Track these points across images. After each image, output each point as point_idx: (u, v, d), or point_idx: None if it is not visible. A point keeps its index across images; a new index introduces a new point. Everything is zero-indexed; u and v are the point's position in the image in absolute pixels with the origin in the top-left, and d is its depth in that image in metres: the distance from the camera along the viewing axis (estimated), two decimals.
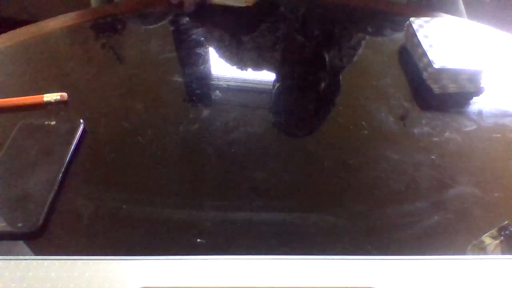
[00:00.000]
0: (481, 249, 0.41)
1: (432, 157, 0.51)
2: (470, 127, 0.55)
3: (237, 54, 0.68)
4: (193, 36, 0.71)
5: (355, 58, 0.68)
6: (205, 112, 0.57)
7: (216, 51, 0.69)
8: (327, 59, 0.68)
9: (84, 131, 0.52)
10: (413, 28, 0.65)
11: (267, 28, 0.72)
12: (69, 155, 0.48)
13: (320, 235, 0.43)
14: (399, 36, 0.70)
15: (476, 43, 0.62)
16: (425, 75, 0.61)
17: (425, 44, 0.62)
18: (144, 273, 0.37)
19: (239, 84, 0.64)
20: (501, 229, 0.42)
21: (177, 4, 0.74)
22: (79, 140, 0.50)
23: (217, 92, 0.60)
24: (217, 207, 0.45)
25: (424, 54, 0.61)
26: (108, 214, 0.44)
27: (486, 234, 0.42)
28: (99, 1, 0.93)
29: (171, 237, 0.42)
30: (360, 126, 0.55)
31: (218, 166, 0.50)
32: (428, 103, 0.59)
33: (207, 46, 0.69)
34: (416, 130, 0.55)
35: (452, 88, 0.60)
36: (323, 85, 0.64)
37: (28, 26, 0.70)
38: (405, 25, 0.68)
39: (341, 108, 0.59)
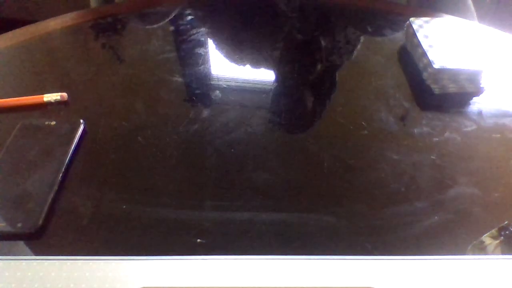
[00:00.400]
0: (481, 249, 0.41)
1: (432, 157, 0.51)
2: (470, 127, 0.55)
3: (236, 54, 0.68)
4: (193, 36, 0.71)
5: (354, 57, 0.68)
6: (205, 112, 0.57)
7: (215, 51, 0.69)
8: (327, 58, 0.68)
9: (84, 131, 0.52)
10: (413, 28, 0.65)
11: (266, 27, 0.72)
12: (69, 155, 0.48)
13: (320, 235, 0.43)
14: (399, 36, 0.70)
15: (476, 43, 0.62)
16: (425, 75, 0.61)
17: (425, 44, 0.62)
18: (144, 273, 0.37)
19: (239, 84, 0.64)
20: (501, 229, 0.42)
21: None
22: (79, 140, 0.50)
23: (217, 92, 0.60)
24: (217, 207, 0.45)
25: (424, 54, 0.61)
26: (108, 214, 0.44)
27: (486, 234, 0.42)
28: (99, 1, 0.93)
29: (171, 237, 0.42)
30: (360, 126, 0.55)
31: (218, 166, 0.50)
32: (428, 103, 0.59)
33: (207, 45, 0.69)
34: (416, 130, 0.55)
35: (452, 88, 0.60)
36: (322, 84, 0.64)
37: (28, 26, 0.70)
38: (405, 25, 0.68)
39: (341, 108, 0.59)
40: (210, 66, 0.66)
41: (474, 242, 0.42)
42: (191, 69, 0.64)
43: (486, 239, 0.42)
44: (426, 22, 0.66)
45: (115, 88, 0.60)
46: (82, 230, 0.43)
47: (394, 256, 0.40)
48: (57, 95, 0.56)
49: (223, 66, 0.67)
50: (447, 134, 0.54)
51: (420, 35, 0.63)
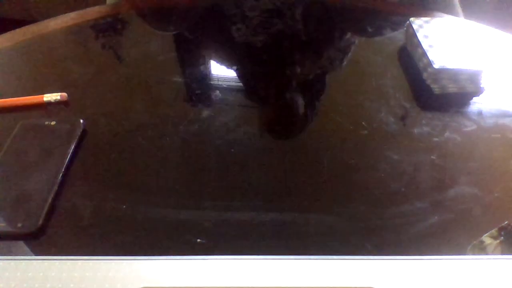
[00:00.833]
0: (481, 249, 0.41)
1: (432, 157, 0.51)
2: (470, 127, 0.55)
3: (235, 54, 0.68)
4: (193, 36, 0.71)
5: (354, 57, 0.68)
6: (205, 112, 0.57)
7: (215, 50, 0.69)
8: (327, 58, 0.68)
9: (84, 131, 0.52)
10: (413, 28, 0.65)
11: (264, 26, 0.72)
12: (69, 155, 0.48)
13: (320, 235, 0.43)
14: (399, 36, 0.70)
15: (476, 43, 0.62)
16: (425, 75, 0.61)
17: (425, 44, 0.62)
18: (144, 273, 0.37)
19: (239, 84, 0.63)
20: (501, 229, 0.42)
21: None
22: (79, 140, 0.50)
23: (217, 92, 0.60)
24: (217, 207, 0.45)
25: (424, 54, 0.61)
26: (108, 214, 0.44)
27: (486, 234, 0.42)
28: None
29: (171, 237, 0.42)
30: (360, 126, 0.55)
31: (218, 166, 0.50)
32: (428, 103, 0.59)
33: (207, 45, 0.69)
34: (416, 130, 0.55)
35: (452, 88, 0.60)
36: (322, 84, 0.64)
37: (28, 26, 0.70)
38: (405, 25, 0.68)
39: (341, 108, 0.59)
40: (210, 66, 0.66)
41: (474, 242, 0.42)
42: (191, 69, 0.64)
43: (486, 239, 0.42)
44: (426, 22, 0.66)
45: (115, 88, 0.60)
46: (82, 230, 0.43)
47: (394, 256, 0.40)
48: (57, 95, 0.56)
49: (223, 66, 0.67)
50: (447, 134, 0.54)
51: (420, 35, 0.63)
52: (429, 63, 0.59)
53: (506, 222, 0.43)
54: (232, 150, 0.51)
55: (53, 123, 0.52)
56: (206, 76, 0.64)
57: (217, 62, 0.68)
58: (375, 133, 0.54)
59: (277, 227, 0.43)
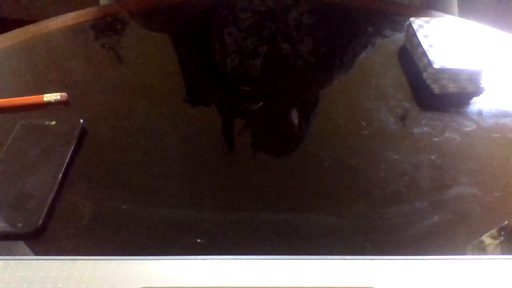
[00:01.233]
0: (481, 249, 0.41)
1: (432, 157, 0.51)
2: (470, 127, 0.55)
3: (233, 53, 0.68)
4: (193, 36, 0.71)
5: (354, 57, 0.68)
6: (205, 112, 0.57)
7: (214, 51, 0.69)
8: (327, 58, 0.68)
9: (84, 131, 0.52)
10: (413, 28, 0.65)
11: (266, 27, 0.72)
12: (69, 155, 0.48)
13: (320, 235, 0.43)
14: (399, 36, 0.70)
15: (476, 43, 0.62)
16: (425, 75, 0.61)
17: (425, 44, 0.62)
18: (144, 273, 0.37)
19: (239, 84, 0.63)
20: (501, 229, 0.42)
21: None
22: (79, 140, 0.50)
23: (217, 92, 0.60)
24: (217, 207, 0.45)
25: (424, 54, 0.61)
26: (108, 214, 0.44)
27: (486, 234, 0.42)
28: None
29: (171, 237, 0.42)
30: (360, 126, 0.55)
31: (218, 166, 0.50)
32: (428, 103, 0.59)
33: (207, 45, 0.69)
34: (416, 130, 0.55)
35: (452, 88, 0.60)
36: (322, 85, 0.64)
37: (28, 26, 0.70)
38: (405, 25, 0.68)
39: (341, 108, 0.59)
40: (210, 66, 0.66)
41: (474, 242, 0.42)
42: (191, 69, 0.64)
43: (486, 239, 0.42)
44: (426, 22, 0.66)
45: (115, 88, 0.60)
46: (82, 230, 0.43)
47: (394, 256, 0.40)
48: (57, 95, 0.56)
49: (223, 66, 0.67)
50: (447, 134, 0.54)
51: (420, 35, 0.63)
52: (429, 63, 0.59)
53: (506, 222, 0.43)
54: (232, 150, 0.51)
55: (53, 123, 0.52)
56: (206, 76, 0.64)
57: (217, 62, 0.68)
58: (375, 133, 0.54)
59: (277, 227, 0.43)
